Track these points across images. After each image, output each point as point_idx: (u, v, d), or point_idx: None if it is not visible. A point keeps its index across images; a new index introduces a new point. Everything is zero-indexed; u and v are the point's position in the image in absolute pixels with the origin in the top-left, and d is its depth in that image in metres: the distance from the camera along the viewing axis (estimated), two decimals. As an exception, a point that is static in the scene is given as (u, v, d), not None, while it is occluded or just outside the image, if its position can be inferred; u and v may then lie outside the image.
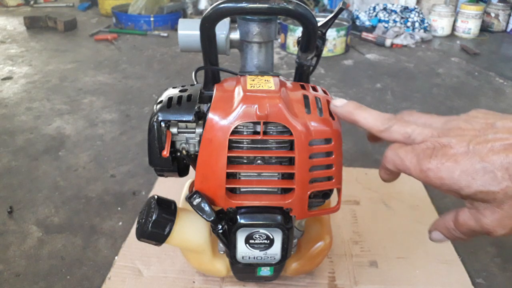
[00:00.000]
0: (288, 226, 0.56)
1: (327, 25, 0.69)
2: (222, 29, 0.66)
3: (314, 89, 0.59)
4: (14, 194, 1.15)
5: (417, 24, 2.87)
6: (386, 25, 2.86)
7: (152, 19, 2.88)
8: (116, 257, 0.90)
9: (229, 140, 0.53)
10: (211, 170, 0.55)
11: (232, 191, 0.58)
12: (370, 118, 0.39)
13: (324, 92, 0.59)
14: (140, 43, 2.65)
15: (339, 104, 0.44)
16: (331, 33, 2.39)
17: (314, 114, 0.54)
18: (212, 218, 0.55)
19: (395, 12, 2.91)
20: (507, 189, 0.30)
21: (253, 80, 0.57)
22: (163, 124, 0.57)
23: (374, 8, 2.99)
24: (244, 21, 0.66)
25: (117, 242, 0.97)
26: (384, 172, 0.39)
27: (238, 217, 0.56)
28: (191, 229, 0.65)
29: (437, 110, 1.75)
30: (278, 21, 0.92)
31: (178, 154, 0.60)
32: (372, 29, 2.85)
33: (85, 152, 1.36)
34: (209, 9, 0.56)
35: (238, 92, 0.54)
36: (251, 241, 0.57)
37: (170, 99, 0.58)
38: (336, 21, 0.76)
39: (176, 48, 2.51)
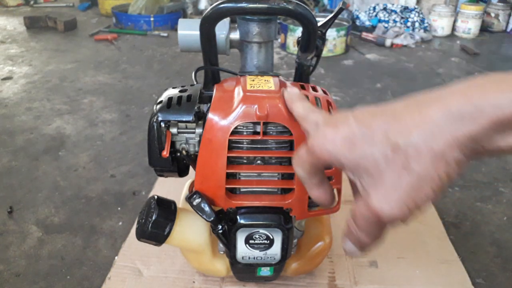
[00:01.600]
0: (288, 226, 0.56)
1: (327, 25, 0.69)
2: (222, 29, 0.66)
3: (314, 89, 0.59)
4: (14, 194, 1.15)
5: (417, 24, 2.87)
6: (386, 25, 2.86)
7: (152, 19, 2.88)
8: (116, 257, 0.90)
9: (229, 140, 0.53)
10: (211, 170, 0.55)
11: (232, 191, 0.58)
12: (300, 107, 0.41)
13: (324, 92, 0.59)
14: (140, 43, 2.65)
15: (289, 90, 0.47)
16: (331, 33, 2.39)
17: (314, 114, 0.53)
18: (212, 218, 0.55)
19: (395, 12, 2.91)
20: (386, 153, 0.28)
21: (253, 80, 0.57)
22: (163, 124, 0.57)
23: (374, 8, 2.99)
24: (244, 21, 0.66)
25: (117, 242, 0.97)
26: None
27: (238, 217, 0.56)
28: (191, 229, 0.65)
29: (437, 110, 1.75)
30: (278, 21, 0.92)
31: (178, 154, 0.60)
32: (372, 29, 2.85)
33: (85, 152, 1.36)
34: (209, 9, 0.56)
35: (238, 92, 0.54)
36: (251, 241, 0.57)
37: (170, 99, 0.58)
38: (336, 21, 0.76)
39: (176, 48, 2.51)
